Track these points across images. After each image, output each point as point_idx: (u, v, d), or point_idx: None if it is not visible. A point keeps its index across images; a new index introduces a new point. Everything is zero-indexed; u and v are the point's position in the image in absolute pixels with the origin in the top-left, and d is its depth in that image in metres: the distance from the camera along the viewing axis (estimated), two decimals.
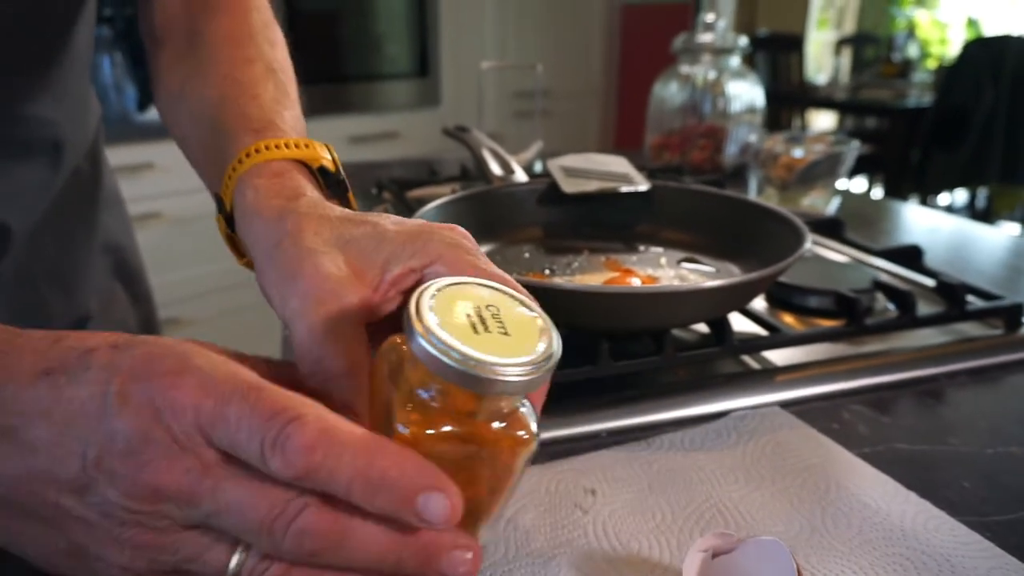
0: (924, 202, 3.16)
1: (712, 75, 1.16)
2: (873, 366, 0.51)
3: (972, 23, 4.79)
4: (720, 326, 0.48)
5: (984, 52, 2.91)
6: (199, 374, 0.23)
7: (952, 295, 0.55)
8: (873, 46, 4.31)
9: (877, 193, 3.34)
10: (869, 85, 3.54)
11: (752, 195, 1.01)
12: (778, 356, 0.52)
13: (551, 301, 0.44)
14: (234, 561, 0.23)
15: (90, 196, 0.54)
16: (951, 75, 3.00)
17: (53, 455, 0.23)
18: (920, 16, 4.88)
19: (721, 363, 0.51)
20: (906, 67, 3.76)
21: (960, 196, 3.54)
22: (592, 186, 0.65)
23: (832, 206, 0.98)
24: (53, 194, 0.48)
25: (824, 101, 3.44)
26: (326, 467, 0.22)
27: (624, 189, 0.64)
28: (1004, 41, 2.91)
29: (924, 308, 0.55)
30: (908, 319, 0.53)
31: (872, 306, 0.58)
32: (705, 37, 1.16)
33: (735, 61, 1.17)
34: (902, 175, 3.17)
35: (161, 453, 0.22)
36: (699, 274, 0.56)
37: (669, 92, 1.18)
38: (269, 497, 0.22)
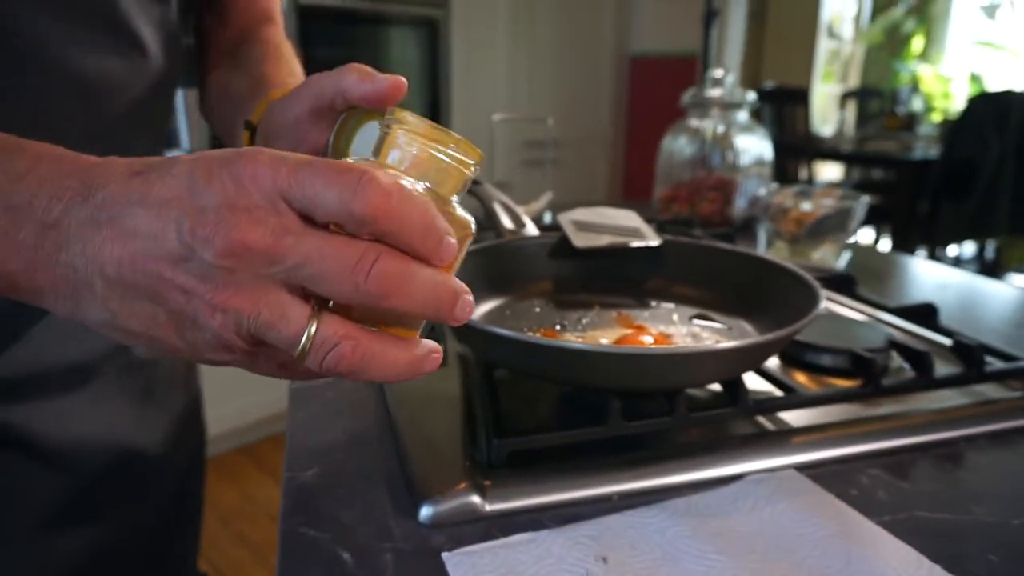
0: (933, 254, 3.16)
1: (721, 129, 1.18)
2: (890, 428, 0.50)
3: (975, 78, 4.86)
4: (734, 386, 0.47)
5: (989, 106, 2.94)
6: (272, 152, 0.26)
7: (970, 356, 0.54)
8: (878, 99, 4.37)
9: (885, 244, 3.34)
10: (875, 137, 3.58)
11: (761, 249, 1.01)
12: (793, 416, 0.51)
13: (563, 360, 0.44)
14: (312, 328, 0.26)
15: None
16: (957, 128, 3.03)
17: (152, 234, 0.26)
18: (923, 71, 4.95)
19: (735, 423, 0.50)
20: (911, 120, 3.80)
21: (968, 248, 3.54)
22: (603, 241, 0.65)
23: (843, 261, 0.98)
24: None
25: (831, 153, 3.47)
26: (400, 212, 0.26)
27: (635, 244, 0.64)
28: (1008, 96, 2.94)
29: (941, 368, 0.54)
30: (926, 380, 0.52)
31: (887, 365, 0.57)
32: (714, 92, 1.18)
33: (743, 115, 1.19)
34: (910, 227, 3.17)
35: (246, 217, 0.25)
36: (712, 332, 0.56)
37: (678, 145, 1.20)
38: (350, 246, 0.26)
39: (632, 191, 3.08)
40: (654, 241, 0.64)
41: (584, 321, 0.59)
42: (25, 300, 0.29)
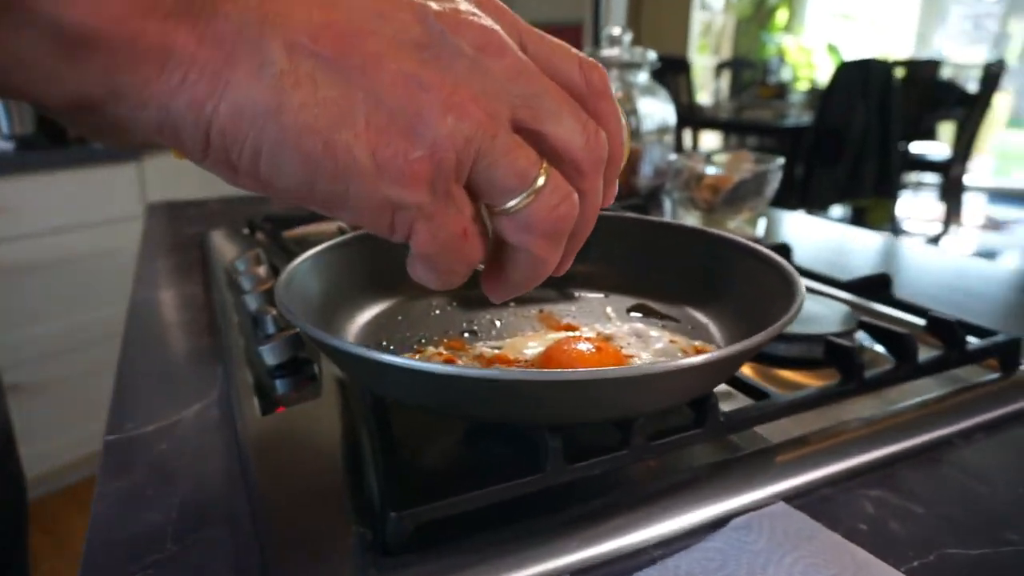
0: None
1: (620, 92, 1.08)
2: (879, 433, 0.41)
3: (832, 48, 5.11)
4: (702, 401, 0.37)
5: (855, 74, 3.06)
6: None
7: (950, 335, 0.46)
8: (750, 70, 4.50)
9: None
10: (750, 106, 3.67)
11: (668, 219, 0.92)
12: (766, 428, 0.41)
13: (484, 394, 0.32)
14: (541, 179, 0.24)
15: None
16: (827, 96, 3.14)
17: (380, 12, 0.23)
18: (788, 42, 5.16)
19: (699, 446, 0.39)
20: (782, 89, 3.93)
21: (837, 211, 3.71)
22: None
23: (760, 228, 0.91)
24: None
25: (711, 122, 3.52)
26: (610, 93, 0.27)
27: None
28: (870, 64, 3.07)
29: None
30: (909, 369, 0.44)
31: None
32: (611, 51, 1.08)
33: (644, 77, 1.09)
34: (787, 191, 3.27)
35: (496, 30, 0.24)
36: (660, 328, 0.45)
37: None
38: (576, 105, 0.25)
39: None
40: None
41: (499, 323, 0.47)
42: (109, 72, 0.21)
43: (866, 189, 3.10)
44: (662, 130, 1.09)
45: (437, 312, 0.48)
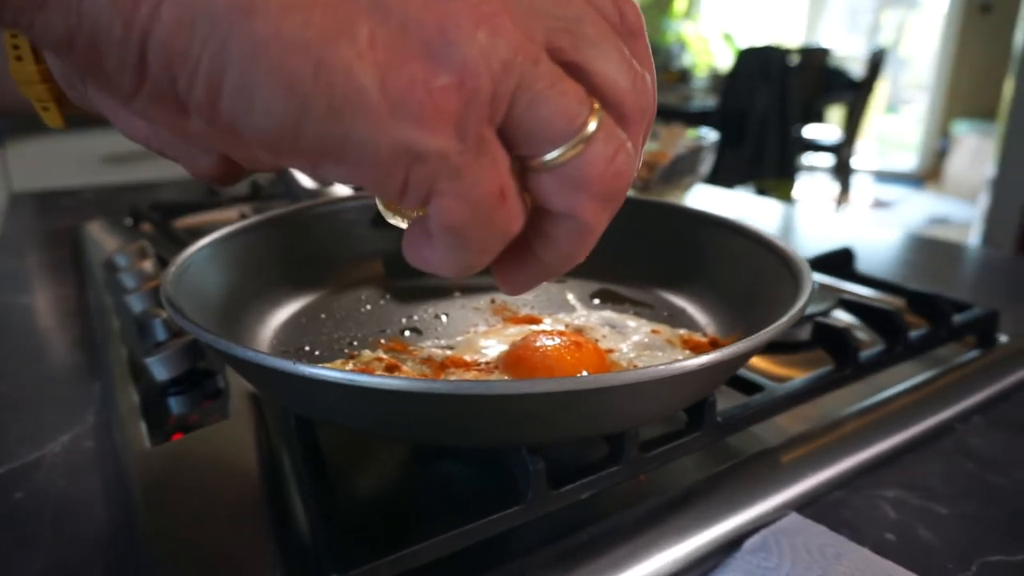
0: None
1: None
2: (879, 422, 0.37)
3: (728, 37, 5.27)
4: (698, 403, 0.31)
5: (754, 60, 3.14)
6: None
7: (937, 311, 0.42)
8: (653, 56, 4.57)
9: None
10: (656, 90, 3.72)
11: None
12: (761, 425, 0.36)
13: (441, 413, 0.25)
14: (592, 123, 0.18)
15: None
16: (729, 80, 3.21)
17: None
18: (687, 29, 5.28)
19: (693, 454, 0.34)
20: (684, 74, 4.01)
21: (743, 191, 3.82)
22: None
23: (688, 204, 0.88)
24: None
25: None
26: (645, 34, 0.21)
27: None
28: (769, 50, 3.16)
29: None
30: (901, 349, 0.40)
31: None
32: None
33: None
34: None
35: None
36: (633, 316, 0.39)
37: None
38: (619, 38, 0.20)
39: None
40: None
41: (445, 318, 0.39)
42: None
43: (768, 170, 3.20)
44: None
45: (368, 307, 0.40)
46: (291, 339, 0.36)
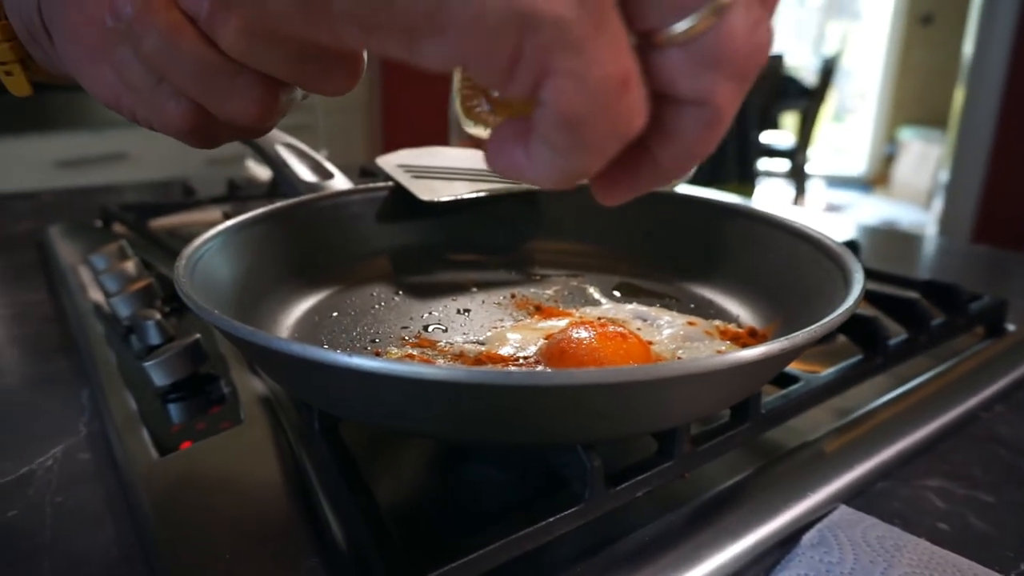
0: None
1: None
2: (911, 411, 0.36)
3: None
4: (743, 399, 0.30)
5: None
6: None
7: (954, 300, 0.42)
8: None
9: None
10: None
11: None
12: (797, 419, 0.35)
13: (511, 406, 0.23)
14: None
15: None
16: None
17: None
18: None
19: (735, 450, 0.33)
20: None
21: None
22: (460, 190, 0.44)
23: None
24: None
25: None
26: None
27: (510, 190, 0.44)
28: None
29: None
30: (926, 338, 0.40)
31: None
32: None
33: None
34: None
35: None
36: (663, 309, 0.37)
37: None
38: None
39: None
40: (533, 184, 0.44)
41: (469, 312, 0.37)
42: None
43: (729, 175, 3.25)
44: None
45: (382, 304, 0.38)
46: (307, 337, 0.34)
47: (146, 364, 0.35)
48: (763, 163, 4.13)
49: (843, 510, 0.30)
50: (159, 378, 0.36)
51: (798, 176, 3.88)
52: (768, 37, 0.17)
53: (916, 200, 4.22)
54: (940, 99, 4.06)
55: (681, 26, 0.16)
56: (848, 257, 0.31)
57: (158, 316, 0.40)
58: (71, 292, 0.51)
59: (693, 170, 0.65)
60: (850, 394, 0.37)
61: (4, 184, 1.16)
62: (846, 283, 0.29)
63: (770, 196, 4.39)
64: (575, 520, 0.25)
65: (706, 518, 0.28)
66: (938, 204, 2.26)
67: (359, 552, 0.25)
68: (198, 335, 0.37)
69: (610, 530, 0.27)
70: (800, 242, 0.35)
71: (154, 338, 0.40)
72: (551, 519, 0.24)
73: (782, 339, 0.23)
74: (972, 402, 0.38)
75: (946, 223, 2.20)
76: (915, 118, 4.70)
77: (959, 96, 2.18)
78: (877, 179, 4.90)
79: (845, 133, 5.33)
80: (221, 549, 0.25)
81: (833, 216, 4.25)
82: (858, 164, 5.09)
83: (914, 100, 4.76)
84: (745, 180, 3.32)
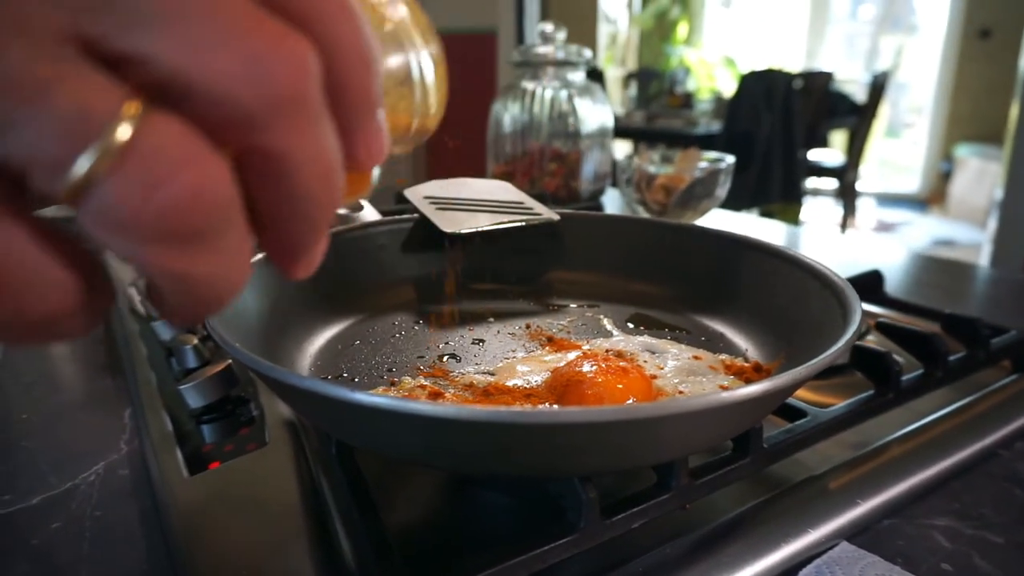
0: None
1: (562, 93, 1.02)
2: (923, 448, 0.36)
3: (730, 61, 5.33)
4: (744, 432, 0.31)
5: (758, 84, 3.17)
6: None
7: (974, 334, 0.42)
8: (657, 81, 4.61)
9: None
10: (661, 115, 3.74)
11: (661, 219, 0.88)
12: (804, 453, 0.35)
13: (502, 442, 0.24)
14: (122, 128, 0.13)
15: None
16: (733, 104, 3.24)
17: None
18: (688, 55, 5.34)
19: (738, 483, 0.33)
20: (688, 99, 4.04)
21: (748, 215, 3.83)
22: (482, 222, 0.45)
23: None
24: None
25: (624, 131, 3.57)
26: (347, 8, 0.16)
27: (529, 222, 0.45)
28: (773, 74, 3.19)
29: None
30: (942, 373, 0.39)
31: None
32: (546, 49, 1.02)
33: (580, 76, 1.05)
34: None
35: None
36: (671, 341, 0.38)
37: (512, 113, 1.03)
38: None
39: (447, 175, 2.88)
40: (551, 215, 0.46)
41: (483, 343, 0.39)
42: None
43: (774, 194, 3.20)
44: (602, 132, 1.04)
45: (402, 333, 0.40)
46: (329, 366, 0.36)
47: (181, 387, 0.38)
48: (811, 182, 4.06)
49: (843, 547, 0.30)
50: (193, 400, 0.38)
51: (847, 195, 3.80)
52: (190, 186, 0.13)
53: (973, 219, 4.08)
54: (998, 115, 3.93)
55: (63, 184, 0.13)
56: (849, 295, 0.31)
57: (195, 341, 0.43)
58: (120, 314, 0.54)
59: (723, 195, 0.65)
60: (864, 427, 0.37)
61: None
62: (845, 322, 0.29)
63: (817, 215, 4.31)
64: (569, 549, 0.26)
65: (704, 550, 0.29)
66: (992, 223, 2.19)
67: (365, 572, 0.26)
68: (230, 360, 0.39)
69: (608, 559, 0.28)
70: (808, 277, 0.35)
71: (191, 361, 0.42)
72: (546, 547, 0.25)
73: (764, 382, 0.24)
74: (991, 439, 0.38)
75: (1000, 243, 2.12)
76: (972, 134, 4.55)
77: (1015, 111, 2.11)
78: (933, 197, 4.76)
79: (900, 149, 5.20)
80: (240, 564, 0.27)
81: (882, 237, 4.15)
82: (913, 182, 4.95)
83: (971, 116, 4.62)
84: (790, 199, 3.27)
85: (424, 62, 0.27)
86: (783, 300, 0.36)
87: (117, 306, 0.56)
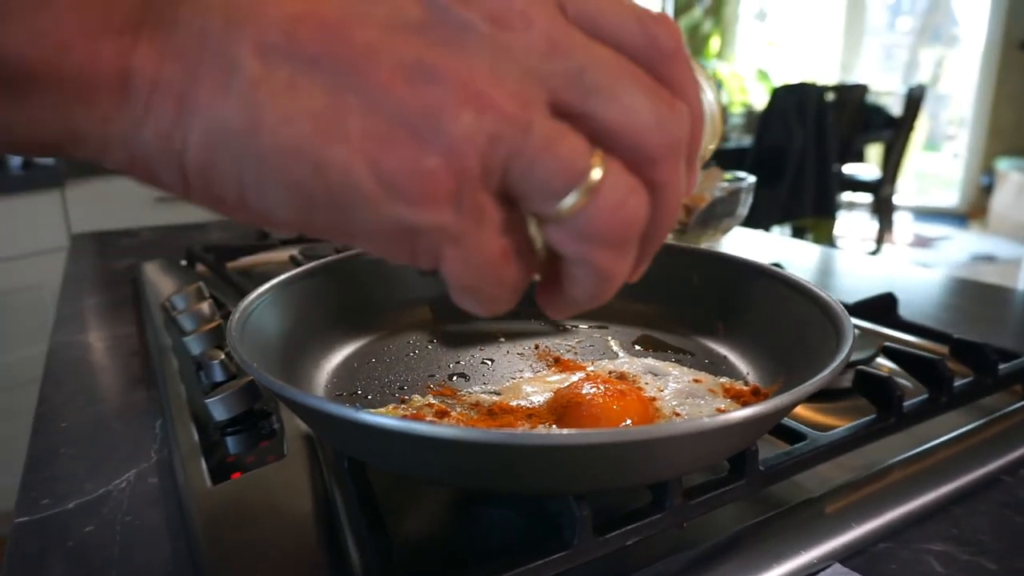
0: None
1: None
2: (925, 472, 0.37)
3: (763, 74, 5.30)
4: (740, 454, 0.32)
5: (790, 97, 3.15)
6: None
7: (981, 359, 0.42)
8: None
9: None
10: None
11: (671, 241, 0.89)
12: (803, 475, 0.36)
13: (496, 462, 0.26)
14: (596, 172, 0.19)
15: None
16: (764, 118, 3.22)
17: (384, 3, 0.19)
18: (721, 69, 5.32)
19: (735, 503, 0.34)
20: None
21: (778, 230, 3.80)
22: None
23: (726, 247, 0.88)
24: None
25: None
26: (684, 53, 0.21)
27: None
28: (805, 87, 3.16)
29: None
30: (947, 399, 0.40)
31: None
32: None
33: None
34: None
35: None
36: (674, 364, 0.39)
37: None
38: (645, 75, 0.20)
39: None
40: None
41: (491, 363, 0.41)
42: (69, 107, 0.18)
43: (806, 208, 3.17)
44: None
45: (416, 352, 0.42)
46: (344, 383, 0.38)
47: (207, 400, 0.40)
48: (847, 196, 4.01)
49: (836, 569, 0.31)
50: (219, 413, 0.40)
51: (883, 209, 3.74)
52: (637, 207, 0.20)
53: (1014, 234, 3.98)
54: None
55: (556, 209, 0.19)
56: (844, 322, 0.32)
57: (223, 356, 0.45)
58: (155, 329, 0.57)
59: (744, 213, 0.66)
60: (866, 451, 0.38)
61: (109, 220, 1.28)
62: (838, 348, 0.30)
63: (852, 230, 4.24)
64: (562, 564, 0.27)
65: (696, 569, 0.30)
66: None
67: None
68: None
69: (603, 574, 0.29)
70: (808, 303, 0.36)
71: (218, 375, 0.45)
72: (538, 562, 0.27)
73: (750, 409, 0.25)
74: (995, 464, 0.38)
75: None
76: (1014, 148, 4.45)
77: None
78: (973, 212, 4.66)
79: (940, 163, 5.10)
80: (256, 570, 0.29)
81: (919, 252, 4.06)
82: (952, 196, 4.85)
83: (1013, 129, 4.52)
84: (824, 214, 3.23)
85: (712, 100, 0.37)
86: (784, 325, 0.37)
87: (152, 321, 0.59)
